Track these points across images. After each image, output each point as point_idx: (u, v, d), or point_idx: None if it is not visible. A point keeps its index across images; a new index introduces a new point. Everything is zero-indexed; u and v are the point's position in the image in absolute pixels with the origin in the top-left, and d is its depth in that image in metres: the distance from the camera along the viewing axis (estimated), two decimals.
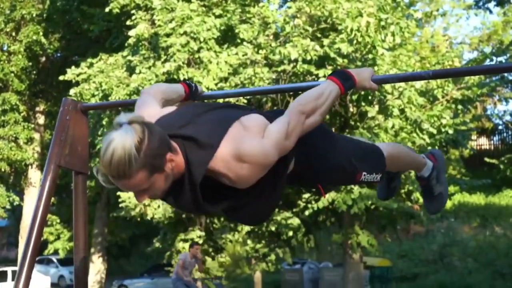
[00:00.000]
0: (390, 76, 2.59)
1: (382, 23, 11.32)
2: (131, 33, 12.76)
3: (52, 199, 2.78)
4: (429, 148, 12.82)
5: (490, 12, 27.73)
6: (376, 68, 11.39)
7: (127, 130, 1.88)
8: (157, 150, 1.92)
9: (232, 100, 9.71)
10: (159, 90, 2.46)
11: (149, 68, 12.38)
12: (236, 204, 2.20)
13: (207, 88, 11.65)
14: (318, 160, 2.42)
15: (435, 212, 2.96)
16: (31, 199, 21.50)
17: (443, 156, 2.95)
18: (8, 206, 21.59)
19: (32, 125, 20.86)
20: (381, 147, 2.66)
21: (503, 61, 20.22)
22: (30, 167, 21.41)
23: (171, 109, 2.26)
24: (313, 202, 13.10)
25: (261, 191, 2.18)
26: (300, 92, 2.45)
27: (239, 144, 2.03)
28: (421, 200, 13.63)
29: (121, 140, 1.86)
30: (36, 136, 21.40)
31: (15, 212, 27.99)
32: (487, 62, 19.73)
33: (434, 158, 2.92)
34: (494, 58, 20.39)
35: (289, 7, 12.19)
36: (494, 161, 22.73)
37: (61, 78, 14.20)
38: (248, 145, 2.03)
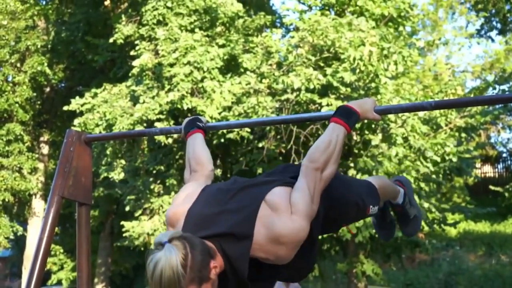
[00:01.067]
0: (393, 106, 2.61)
1: (385, 52, 11.38)
2: (135, 63, 12.85)
3: (56, 229, 2.78)
4: (433, 176, 12.80)
5: (492, 40, 27.84)
6: (379, 96, 11.42)
7: (171, 250, 1.99)
8: (201, 263, 2.02)
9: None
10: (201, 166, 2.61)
11: (153, 97, 12.43)
12: (281, 269, 2.25)
13: (211, 117, 11.69)
14: (338, 203, 2.48)
15: (414, 234, 3.05)
16: (35, 229, 21.45)
17: (409, 181, 3.07)
18: (11, 237, 21.54)
19: (36, 155, 20.88)
20: (370, 180, 2.78)
21: (506, 89, 20.27)
22: (34, 197, 21.40)
23: (197, 193, 2.34)
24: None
25: (302, 252, 2.24)
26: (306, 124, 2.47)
27: (272, 228, 2.10)
28: (426, 228, 13.59)
29: (167, 260, 1.97)
30: (40, 166, 21.42)
31: (19, 242, 27.87)
32: (490, 90, 19.80)
33: (402, 184, 3.01)
34: (497, 86, 20.45)
35: (292, 37, 12.27)
36: (499, 189, 22.61)
37: (65, 108, 14.28)
38: (281, 227, 2.10)
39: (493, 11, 26.02)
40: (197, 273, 2.00)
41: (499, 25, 26.88)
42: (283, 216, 2.12)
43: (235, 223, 2.13)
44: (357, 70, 10.96)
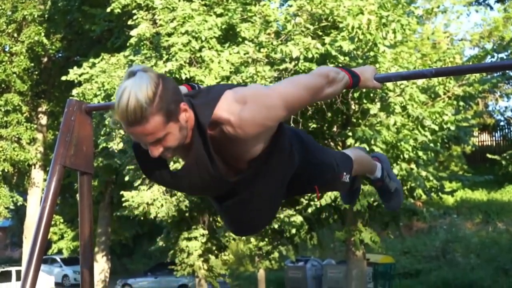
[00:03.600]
0: (392, 74, 2.62)
1: (383, 20, 11.33)
2: (133, 33, 12.79)
3: None
4: (431, 145, 12.84)
5: (491, 8, 27.70)
6: (377, 65, 11.39)
7: (142, 76, 1.87)
8: (172, 96, 1.91)
9: None
10: None
11: (151, 67, 12.40)
12: (246, 191, 2.19)
13: None
14: (314, 159, 2.46)
15: (397, 207, 3.05)
16: (35, 199, 21.57)
17: (385, 156, 3.09)
18: (11, 207, 21.66)
19: (35, 126, 20.91)
20: (346, 152, 2.80)
21: (504, 57, 20.21)
22: (33, 167, 21.47)
23: None
24: (315, 199, 13.12)
25: (270, 185, 2.22)
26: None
27: (242, 89, 2.05)
28: (424, 196, 13.67)
29: (137, 85, 1.85)
30: (39, 136, 21.45)
31: (19, 212, 28.07)
32: (488, 58, 19.73)
33: (378, 159, 3.02)
34: (495, 54, 20.38)
35: (290, 6, 12.20)
36: (496, 157, 22.70)
37: (63, 78, 14.24)
38: (251, 88, 2.06)
39: None
40: (166, 104, 1.87)
41: None
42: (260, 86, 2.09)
43: (210, 95, 2.05)
44: (356, 39, 10.92)
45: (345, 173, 2.64)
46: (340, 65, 11.39)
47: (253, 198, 2.23)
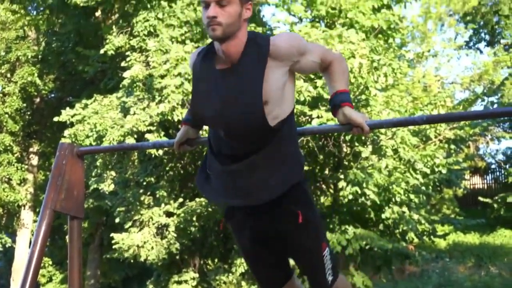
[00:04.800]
0: (384, 121, 2.64)
1: (375, 64, 11.44)
2: (126, 74, 12.84)
3: None
4: (423, 188, 12.84)
5: (481, 52, 28.09)
6: (369, 108, 11.47)
7: None
8: None
9: None
10: None
11: (144, 109, 12.43)
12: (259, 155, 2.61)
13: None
14: (314, 214, 2.89)
15: None
16: (24, 241, 21.33)
17: None
18: (0, 248, 21.41)
19: (26, 166, 20.80)
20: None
21: (495, 101, 20.39)
22: (22, 208, 21.28)
23: None
24: None
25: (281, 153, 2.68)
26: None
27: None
28: (416, 240, 13.62)
29: None
30: (30, 177, 21.32)
31: (7, 254, 27.70)
32: (479, 102, 19.89)
33: None
34: (486, 98, 20.57)
35: None
36: (488, 200, 22.69)
37: (55, 119, 14.23)
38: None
39: (482, 23, 26.28)
40: None
41: (487, 37, 27.15)
42: None
43: None
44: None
45: (327, 249, 2.76)
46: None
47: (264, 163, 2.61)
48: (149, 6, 13.44)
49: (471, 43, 27.76)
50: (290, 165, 2.67)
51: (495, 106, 19.69)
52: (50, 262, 24.65)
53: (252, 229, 2.76)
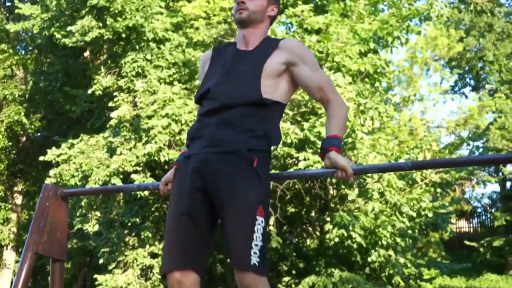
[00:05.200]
0: (370, 166, 2.66)
1: (361, 107, 11.52)
2: (113, 114, 12.84)
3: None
4: (409, 231, 12.83)
5: (466, 97, 28.44)
6: (355, 151, 11.51)
7: None
8: None
9: None
10: None
11: (130, 149, 12.40)
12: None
13: None
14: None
15: None
16: (6, 281, 20.97)
17: None
18: None
19: (9, 205, 20.59)
20: None
21: (480, 145, 20.55)
22: (5, 248, 20.99)
23: None
24: (293, 286, 12.94)
25: None
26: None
27: None
28: (402, 284, 13.53)
29: None
30: (13, 216, 21.07)
31: None
32: (465, 146, 20.03)
33: None
34: (471, 142, 20.74)
35: None
36: (474, 244, 22.70)
37: (41, 159, 14.13)
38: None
39: (467, 68, 26.66)
40: None
41: (472, 82, 27.54)
42: None
43: None
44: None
45: (263, 222, 2.64)
46: (318, 150, 11.48)
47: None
48: (137, 47, 13.52)
49: (457, 88, 28.15)
50: (259, 136, 2.80)
51: (481, 150, 19.83)
52: None
53: (195, 171, 2.78)
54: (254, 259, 2.50)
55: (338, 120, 2.91)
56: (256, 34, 2.98)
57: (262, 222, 2.58)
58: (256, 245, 2.52)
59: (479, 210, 27.57)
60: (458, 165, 2.71)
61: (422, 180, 13.53)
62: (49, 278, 2.90)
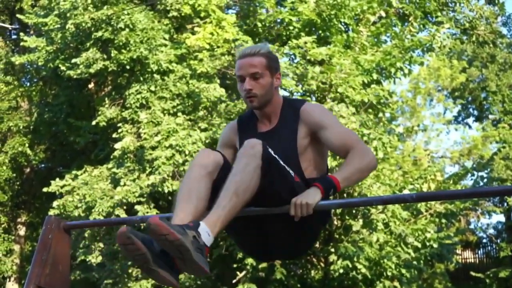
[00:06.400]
0: (374, 198, 2.64)
1: (365, 138, 11.52)
2: (117, 145, 12.87)
3: None
4: (414, 262, 12.74)
5: (469, 127, 28.45)
6: (359, 182, 11.49)
7: (267, 45, 3.06)
8: (276, 62, 3.05)
9: None
10: None
11: (134, 180, 12.40)
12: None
13: None
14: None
15: None
16: None
17: None
18: None
19: (13, 237, 20.53)
20: None
21: (484, 175, 20.48)
22: (8, 280, 20.88)
23: None
24: None
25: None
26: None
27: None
28: None
29: (265, 44, 3.07)
30: (16, 247, 21.00)
31: None
32: (469, 176, 19.97)
33: None
34: (475, 172, 20.68)
35: None
36: (480, 275, 22.51)
37: (44, 190, 14.14)
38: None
39: (470, 98, 26.73)
40: (272, 59, 3.00)
41: (475, 112, 27.58)
42: None
43: None
44: (337, 156, 11.05)
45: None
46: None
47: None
48: (141, 78, 13.60)
49: (460, 118, 28.19)
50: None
51: (485, 180, 19.75)
52: None
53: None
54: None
55: (349, 166, 2.80)
56: (274, 108, 3.00)
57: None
58: None
59: (484, 240, 27.40)
60: (463, 197, 2.71)
61: (426, 211, 13.47)
62: None
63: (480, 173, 20.80)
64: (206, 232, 2.42)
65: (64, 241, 2.82)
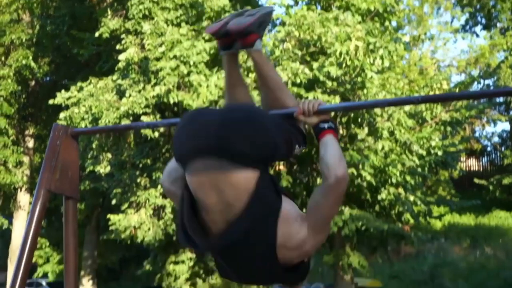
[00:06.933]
0: (380, 101, 2.62)
1: (371, 46, 11.41)
2: (121, 57, 12.80)
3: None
4: (419, 169, 12.88)
5: (477, 35, 28.07)
6: (365, 91, 11.47)
7: None
8: None
9: None
10: None
11: (139, 91, 12.41)
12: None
13: None
14: None
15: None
16: (20, 223, 21.36)
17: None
18: None
19: (22, 149, 20.78)
20: None
21: (491, 83, 20.40)
22: (19, 190, 21.29)
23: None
24: None
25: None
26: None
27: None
28: (412, 221, 13.67)
29: None
30: (26, 159, 21.30)
31: (4, 236, 27.77)
32: (475, 85, 19.89)
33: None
34: (482, 81, 20.59)
35: (279, 31, 12.27)
36: (483, 182, 22.81)
37: (50, 102, 14.19)
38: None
39: (478, 6, 26.18)
40: None
41: (483, 20, 27.08)
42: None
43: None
44: (344, 65, 10.99)
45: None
46: (327, 90, 11.44)
47: None
48: None
49: (467, 27, 27.69)
50: None
51: (491, 89, 19.68)
52: (47, 244, 24.76)
53: None
54: None
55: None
56: None
57: None
58: None
59: (489, 148, 27.57)
60: (469, 97, 2.70)
61: (432, 119, 13.50)
62: (63, 217, 2.96)
63: (486, 82, 20.71)
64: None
65: (72, 147, 2.85)
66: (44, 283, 27.53)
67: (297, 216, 2.30)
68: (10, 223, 21.85)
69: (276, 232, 2.21)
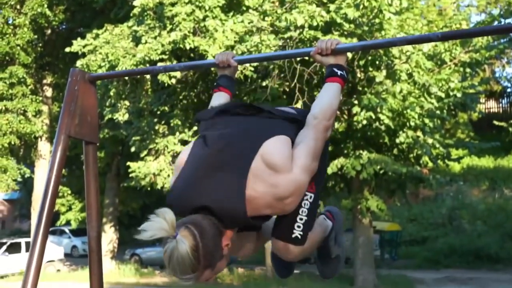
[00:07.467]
0: (398, 39, 2.56)
1: None
2: (136, 3, 12.67)
3: (63, 170, 2.80)
4: (438, 112, 12.79)
5: None
6: (383, 32, 11.31)
7: (182, 242, 1.98)
8: (213, 248, 2.04)
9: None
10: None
11: (155, 37, 12.33)
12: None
13: (213, 57, 11.59)
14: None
15: (330, 276, 2.74)
16: (42, 171, 21.66)
17: (341, 215, 2.81)
18: (19, 179, 21.77)
19: (40, 98, 20.90)
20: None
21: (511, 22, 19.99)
22: (39, 139, 21.51)
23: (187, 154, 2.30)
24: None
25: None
26: (307, 59, 2.44)
27: (274, 188, 2.09)
28: (430, 164, 13.65)
29: (180, 253, 1.97)
30: (45, 108, 21.45)
31: (26, 184, 28.23)
32: (495, 24, 19.50)
33: (332, 217, 2.75)
34: (502, 20, 20.16)
35: None
36: (502, 123, 22.63)
37: (67, 50, 14.18)
38: (283, 186, 2.09)
39: None
40: (210, 258, 2.02)
41: None
42: (284, 175, 2.10)
43: (229, 185, 2.09)
44: (361, 6, 10.80)
45: (312, 195, 2.37)
46: (345, 32, 11.29)
47: None
48: None
49: None
50: None
51: None
52: (69, 192, 25.15)
53: None
54: (297, 233, 2.36)
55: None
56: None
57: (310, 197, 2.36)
58: (301, 219, 2.35)
59: (508, 90, 27.28)
60: (489, 33, 2.64)
61: (451, 60, 13.32)
62: (83, 164, 2.97)
63: (507, 20, 20.28)
64: None
65: (90, 92, 2.85)
66: (67, 230, 28.12)
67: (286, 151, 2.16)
68: (32, 172, 22.17)
69: (258, 149, 2.12)
